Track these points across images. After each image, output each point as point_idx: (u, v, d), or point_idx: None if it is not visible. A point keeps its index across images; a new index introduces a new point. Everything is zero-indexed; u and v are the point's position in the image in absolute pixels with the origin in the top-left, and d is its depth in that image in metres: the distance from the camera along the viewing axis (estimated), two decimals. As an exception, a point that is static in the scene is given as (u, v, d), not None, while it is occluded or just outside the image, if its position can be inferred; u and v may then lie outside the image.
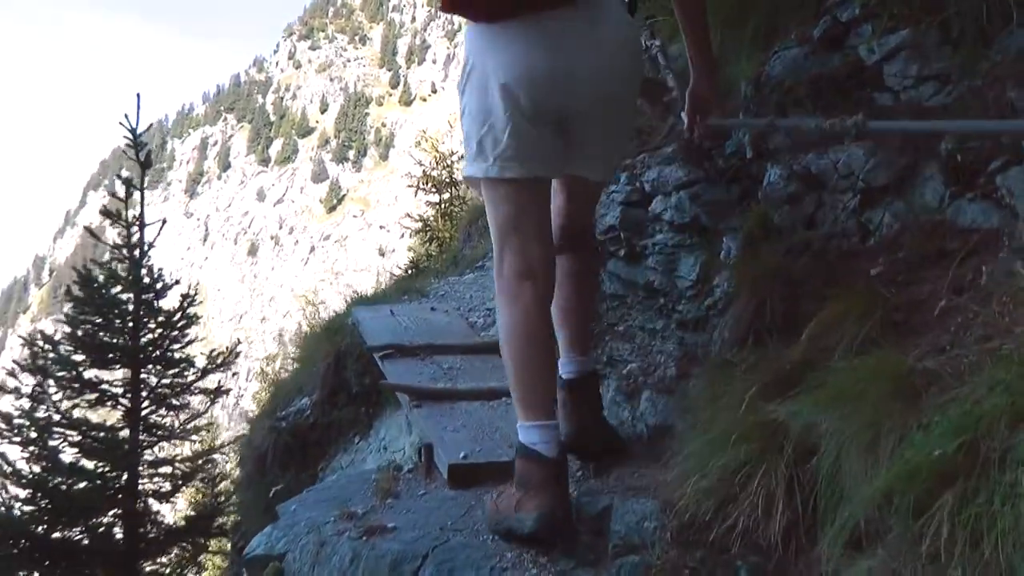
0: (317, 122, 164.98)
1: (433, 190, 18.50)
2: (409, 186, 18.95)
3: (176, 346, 8.56)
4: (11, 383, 8.16)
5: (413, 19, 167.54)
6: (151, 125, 8.51)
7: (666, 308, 4.57)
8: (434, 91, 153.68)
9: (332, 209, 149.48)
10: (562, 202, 3.71)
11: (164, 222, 10.15)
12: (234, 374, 10.30)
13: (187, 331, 8.64)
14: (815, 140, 4.18)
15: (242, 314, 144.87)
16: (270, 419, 7.13)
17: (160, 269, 8.65)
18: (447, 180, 18.47)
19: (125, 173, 9.29)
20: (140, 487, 8.25)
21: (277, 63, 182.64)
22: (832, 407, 2.60)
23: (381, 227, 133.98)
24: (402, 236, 20.38)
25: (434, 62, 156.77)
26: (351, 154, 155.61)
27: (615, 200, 4.92)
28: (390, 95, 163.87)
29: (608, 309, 4.88)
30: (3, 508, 7.81)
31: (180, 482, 8.50)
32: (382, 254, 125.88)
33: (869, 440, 2.42)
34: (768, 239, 4.03)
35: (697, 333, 4.33)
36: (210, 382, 9.06)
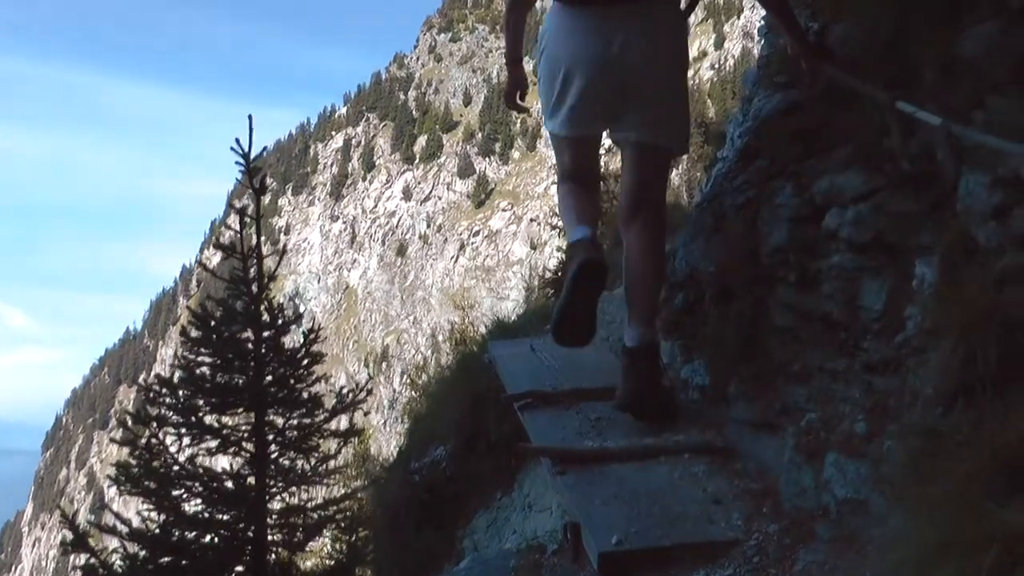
0: (461, 116, 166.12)
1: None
2: (554, 183, 18.54)
3: (301, 385, 8.22)
4: (127, 435, 7.94)
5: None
6: (264, 150, 8.19)
7: (848, 345, 4.03)
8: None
9: (480, 204, 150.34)
10: (627, 177, 4.49)
11: (284, 251, 9.90)
12: (366, 413, 9.95)
13: (312, 369, 8.31)
14: (1022, 132, 3.59)
15: (394, 316, 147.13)
16: (404, 469, 6.80)
17: (280, 304, 8.33)
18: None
19: (243, 202, 9.07)
20: (270, 538, 7.96)
21: (418, 58, 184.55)
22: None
23: (532, 220, 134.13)
24: (552, 228, 20.12)
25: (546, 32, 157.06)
26: (497, 147, 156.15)
27: (781, 216, 4.38)
28: (534, 83, 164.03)
29: (778, 345, 4.35)
30: (124, 568, 7.59)
31: (313, 531, 8.19)
32: (534, 247, 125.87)
33: None
34: (972, 263, 3.45)
35: (888, 378, 3.77)
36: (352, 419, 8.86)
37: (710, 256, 4.91)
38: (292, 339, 8.32)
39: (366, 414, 10.25)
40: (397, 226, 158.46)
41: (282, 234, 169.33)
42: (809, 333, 4.22)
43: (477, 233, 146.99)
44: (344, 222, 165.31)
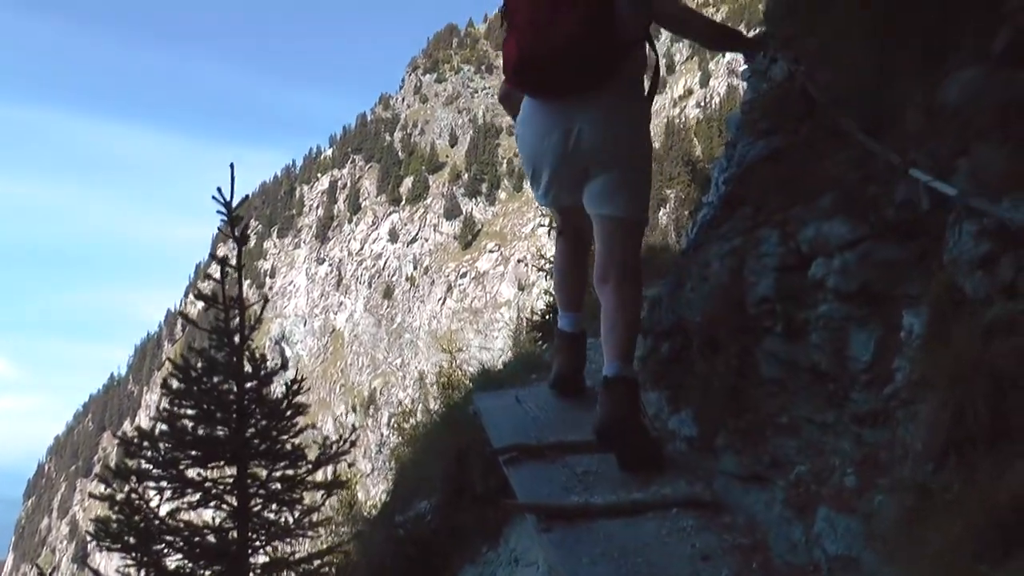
0: (447, 156, 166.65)
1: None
2: (541, 226, 18.68)
3: (284, 437, 8.14)
4: (108, 491, 7.84)
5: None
6: (246, 198, 8.15)
7: (836, 396, 3.99)
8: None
9: (467, 245, 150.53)
10: (598, 244, 4.81)
11: (265, 301, 9.85)
12: (350, 465, 9.85)
13: (295, 420, 8.23)
14: (1007, 179, 3.59)
15: (381, 359, 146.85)
16: (389, 522, 6.72)
17: (263, 355, 8.26)
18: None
19: (222, 251, 9.00)
20: (255, 593, 7.86)
21: (403, 99, 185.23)
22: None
23: (519, 261, 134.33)
24: (539, 270, 20.03)
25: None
26: (484, 187, 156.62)
27: (767, 265, 4.36)
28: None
29: (766, 396, 4.31)
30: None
31: None
32: (521, 288, 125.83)
33: None
34: (959, 314, 3.43)
35: (878, 430, 3.73)
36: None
37: (696, 305, 4.89)
38: (275, 389, 8.26)
39: (350, 465, 10.15)
40: (383, 268, 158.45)
41: (267, 277, 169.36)
42: (797, 384, 4.18)
43: (464, 275, 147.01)
44: (330, 264, 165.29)
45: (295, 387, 8.24)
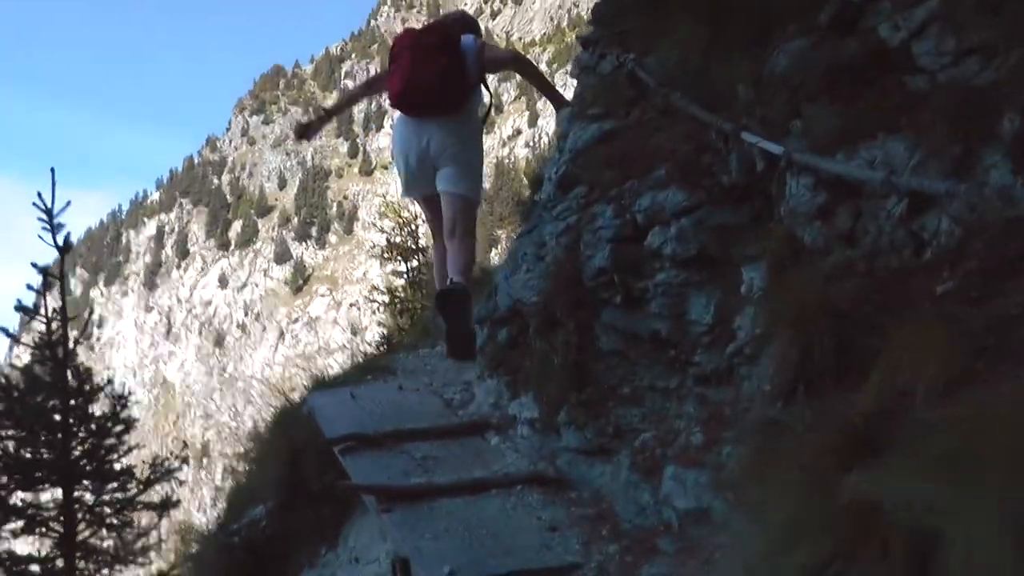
0: (276, 200, 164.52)
1: (399, 259, 17.97)
2: (373, 256, 18.45)
3: (112, 457, 7.67)
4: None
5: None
6: (68, 203, 7.73)
7: (679, 361, 3.95)
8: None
9: (298, 290, 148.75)
10: (445, 214, 6.09)
11: (91, 312, 9.33)
12: (181, 483, 9.37)
13: (124, 438, 7.78)
14: (839, 137, 3.61)
15: (214, 409, 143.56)
16: (223, 534, 6.39)
17: (88, 369, 7.80)
18: (412, 247, 17.91)
19: (42, 262, 8.43)
20: (84, 627, 7.38)
21: (230, 141, 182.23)
22: (944, 475, 1.94)
23: (351, 305, 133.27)
24: (373, 312, 19.72)
25: (392, 128, 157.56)
26: (314, 231, 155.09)
27: (603, 238, 4.30)
28: (349, 166, 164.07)
29: (606, 369, 4.24)
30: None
31: None
32: (355, 332, 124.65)
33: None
34: (799, 264, 3.42)
35: (722, 388, 3.70)
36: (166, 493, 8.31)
37: (532, 286, 4.81)
38: (101, 408, 7.80)
39: (181, 483, 9.62)
40: (214, 315, 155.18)
41: (95, 327, 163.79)
42: (638, 353, 4.13)
43: (296, 320, 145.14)
44: (159, 313, 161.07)
45: (122, 401, 7.80)
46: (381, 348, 13.40)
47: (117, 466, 7.66)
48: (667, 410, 3.93)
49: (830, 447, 2.42)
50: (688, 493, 3.43)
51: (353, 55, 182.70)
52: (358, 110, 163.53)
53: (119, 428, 7.66)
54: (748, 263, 3.72)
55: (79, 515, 7.48)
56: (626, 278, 4.16)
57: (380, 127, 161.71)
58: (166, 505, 8.06)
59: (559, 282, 4.51)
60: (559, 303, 4.47)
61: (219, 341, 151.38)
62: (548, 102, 6.54)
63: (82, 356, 7.90)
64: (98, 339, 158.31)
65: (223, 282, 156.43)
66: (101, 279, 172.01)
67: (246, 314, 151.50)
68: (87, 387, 7.61)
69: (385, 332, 15.60)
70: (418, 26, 6.91)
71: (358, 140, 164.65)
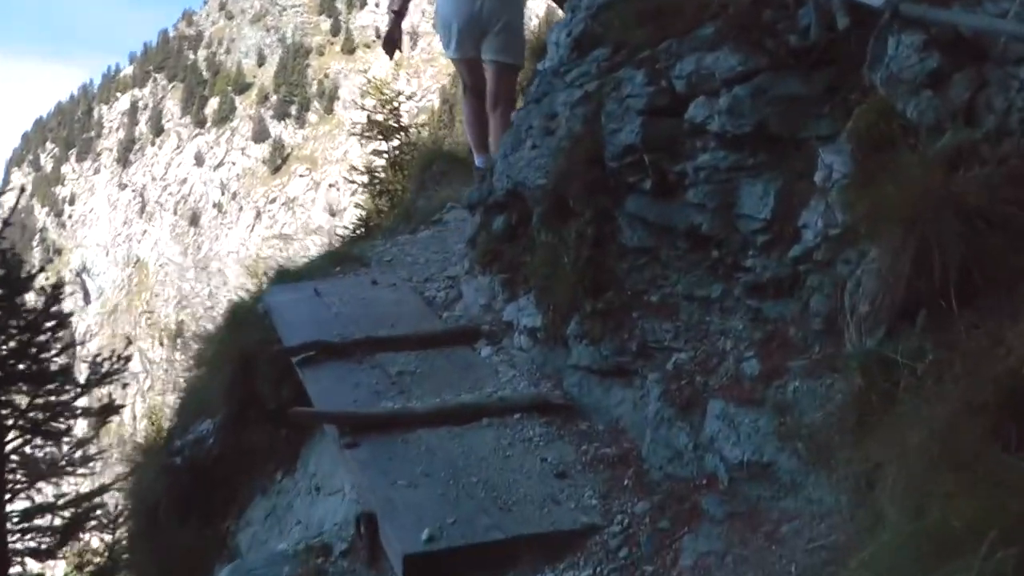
0: (254, 77, 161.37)
1: (380, 137, 17.17)
2: (352, 134, 17.65)
3: (46, 355, 6.78)
4: None
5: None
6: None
7: (724, 265, 3.19)
8: (378, 36, 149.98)
9: (277, 170, 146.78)
10: (490, 84, 6.20)
11: (23, 190, 8.32)
12: (124, 385, 8.54)
13: (58, 334, 6.88)
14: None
15: (188, 290, 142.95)
16: (166, 451, 5.60)
17: (16, 254, 6.91)
18: (395, 125, 17.09)
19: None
20: (13, 546, 6.62)
21: (208, 15, 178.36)
22: None
23: (330, 185, 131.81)
24: (352, 193, 19.06)
25: (376, 6, 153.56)
26: (293, 109, 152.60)
27: (631, 109, 3.50)
28: (331, 44, 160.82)
29: (631, 270, 3.48)
30: None
31: (64, 534, 6.86)
32: (333, 214, 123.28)
33: None
34: (898, 147, 2.64)
35: (782, 302, 2.94)
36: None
37: (538, 166, 4.01)
38: (35, 299, 6.91)
39: (125, 386, 8.77)
40: (189, 194, 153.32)
41: (66, 204, 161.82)
42: (672, 252, 3.37)
43: (274, 200, 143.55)
44: (133, 190, 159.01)
45: (54, 292, 6.87)
46: (358, 231, 12.59)
47: (52, 366, 6.77)
48: (708, 325, 3.18)
49: (979, 408, 1.67)
50: (742, 439, 2.69)
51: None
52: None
53: (52, 323, 6.74)
54: (824, 144, 2.94)
55: (10, 422, 6.64)
56: (659, 158, 3.39)
57: (364, 4, 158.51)
58: (107, 411, 7.23)
59: (574, 161, 3.71)
60: (573, 187, 3.69)
61: (194, 220, 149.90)
62: None
63: (52, 234, 7.01)
64: (70, 216, 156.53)
65: (199, 160, 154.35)
66: (72, 155, 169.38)
67: (222, 193, 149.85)
68: (17, 276, 6.69)
69: (363, 214, 15.02)
70: None
71: (340, 18, 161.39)
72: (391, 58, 7.02)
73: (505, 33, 6.17)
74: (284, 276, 6.12)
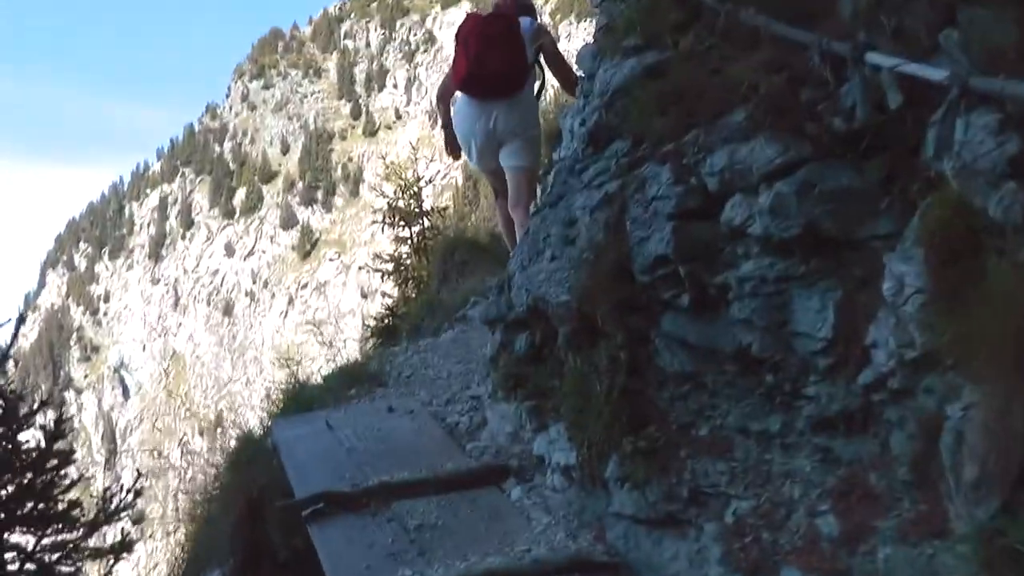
0: (280, 165, 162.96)
1: (402, 224, 16.93)
2: (374, 222, 17.45)
3: (53, 493, 6.30)
4: None
5: (367, 44, 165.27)
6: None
7: (781, 392, 2.72)
8: (398, 117, 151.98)
9: (306, 255, 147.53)
10: (510, 187, 6.63)
11: (22, 320, 7.87)
12: (136, 521, 8.04)
13: (63, 472, 6.41)
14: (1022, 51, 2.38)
15: (225, 379, 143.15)
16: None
17: (15, 390, 6.47)
18: (416, 211, 16.85)
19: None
20: None
21: (231, 107, 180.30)
22: None
23: (360, 268, 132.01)
24: (381, 279, 18.84)
25: (395, 87, 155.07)
26: (319, 194, 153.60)
27: (659, 213, 3.06)
28: (353, 127, 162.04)
29: (672, 400, 3.01)
30: None
31: None
32: (365, 296, 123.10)
33: None
34: (981, 251, 2.19)
35: (856, 440, 2.47)
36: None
37: (559, 280, 3.56)
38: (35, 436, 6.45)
39: (136, 522, 8.26)
40: (222, 284, 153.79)
41: (101, 302, 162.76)
42: (719, 379, 2.90)
43: (305, 286, 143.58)
44: (166, 284, 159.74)
45: (58, 429, 6.42)
46: (385, 320, 12.48)
47: (60, 505, 6.30)
48: (770, 466, 2.70)
49: None
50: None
51: (352, 15, 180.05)
52: (359, 70, 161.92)
53: (54, 461, 6.27)
54: (886, 245, 2.49)
55: (15, 566, 6.17)
56: (696, 269, 2.94)
57: (383, 86, 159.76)
58: (121, 548, 6.75)
59: (599, 275, 3.26)
60: (600, 305, 3.23)
61: (228, 310, 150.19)
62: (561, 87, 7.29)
63: (89, 332, 6.61)
64: (105, 314, 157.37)
65: (229, 250, 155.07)
66: (105, 253, 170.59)
67: (254, 281, 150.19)
68: (23, 411, 6.26)
69: (391, 303, 14.77)
70: (480, 11, 7.62)
71: (360, 101, 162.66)
72: (458, 159, 7.46)
73: (518, 140, 6.60)
74: (295, 395, 5.64)
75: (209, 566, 5.01)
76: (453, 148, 7.13)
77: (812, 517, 2.43)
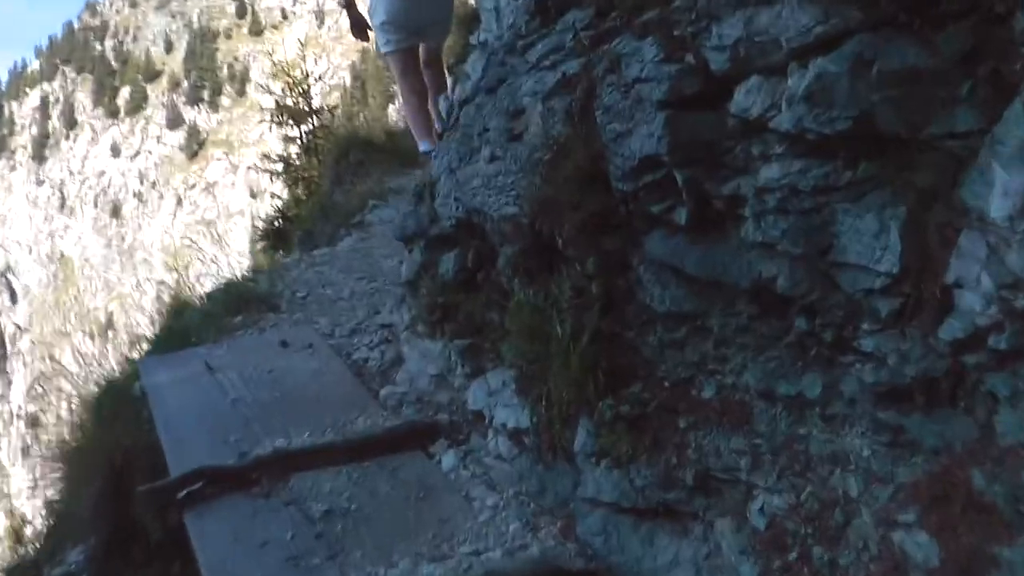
0: (164, 64, 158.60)
1: (291, 122, 16.18)
2: (262, 121, 16.78)
3: None
4: None
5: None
6: None
7: (819, 342, 1.97)
8: (284, 17, 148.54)
9: (194, 155, 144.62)
10: (424, 56, 6.62)
11: None
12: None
13: None
14: None
15: (115, 281, 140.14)
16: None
17: None
18: (305, 109, 16.09)
19: None
20: None
21: (111, 4, 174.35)
22: None
23: (249, 168, 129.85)
24: (270, 180, 18.06)
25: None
26: (205, 94, 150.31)
27: (643, 98, 2.26)
28: (238, 26, 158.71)
29: (662, 347, 2.25)
30: None
31: None
32: (254, 196, 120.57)
33: None
34: None
35: (942, 417, 1.74)
36: None
37: (502, 186, 2.75)
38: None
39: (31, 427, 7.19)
40: (109, 186, 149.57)
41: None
42: (728, 322, 2.14)
43: (194, 186, 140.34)
44: (51, 186, 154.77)
45: None
46: (275, 223, 12.23)
47: None
48: (805, 444, 1.96)
49: None
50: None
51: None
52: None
53: None
54: (966, 149, 1.75)
55: None
56: (697, 175, 2.16)
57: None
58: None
59: (559, 181, 2.45)
60: (562, 220, 2.43)
61: (116, 212, 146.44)
62: None
63: None
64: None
65: (115, 151, 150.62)
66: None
67: (141, 182, 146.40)
68: None
69: (280, 205, 14.23)
70: None
71: (246, 0, 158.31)
72: (366, 41, 7.34)
73: (443, 26, 6.80)
74: (173, 321, 4.70)
75: (69, 543, 4.07)
76: (360, 29, 7.08)
77: (888, 528, 1.70)
